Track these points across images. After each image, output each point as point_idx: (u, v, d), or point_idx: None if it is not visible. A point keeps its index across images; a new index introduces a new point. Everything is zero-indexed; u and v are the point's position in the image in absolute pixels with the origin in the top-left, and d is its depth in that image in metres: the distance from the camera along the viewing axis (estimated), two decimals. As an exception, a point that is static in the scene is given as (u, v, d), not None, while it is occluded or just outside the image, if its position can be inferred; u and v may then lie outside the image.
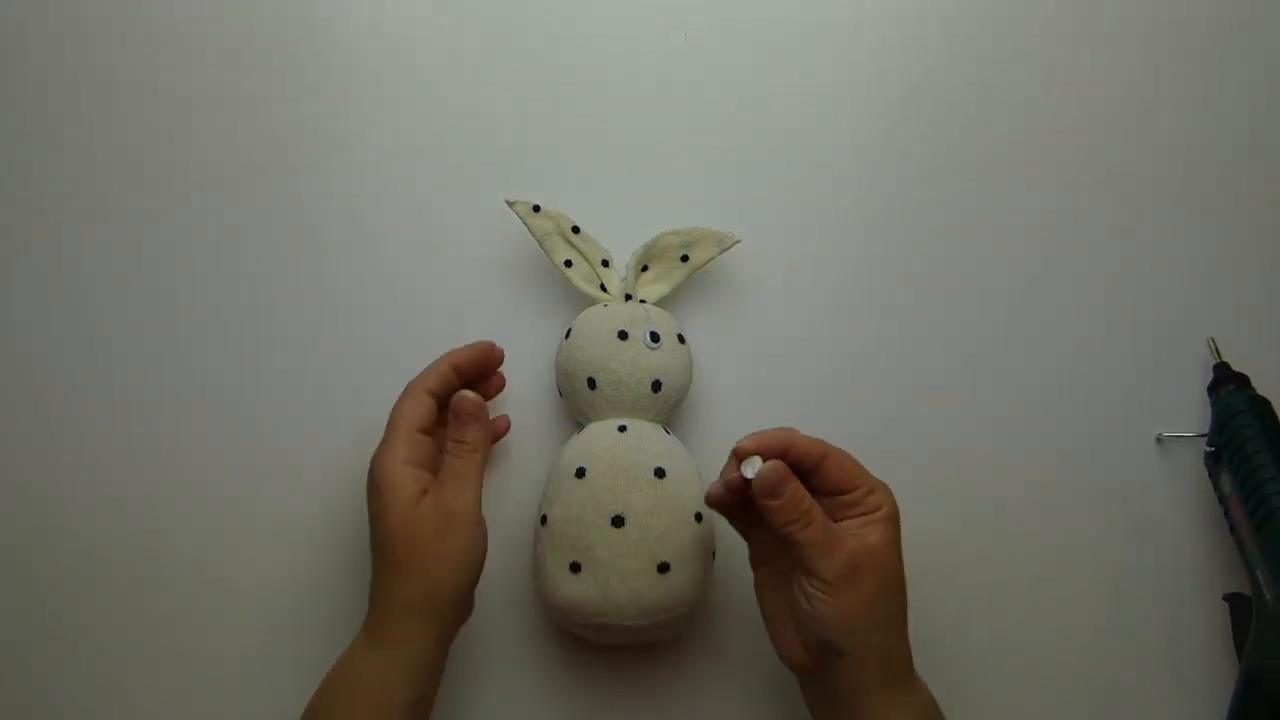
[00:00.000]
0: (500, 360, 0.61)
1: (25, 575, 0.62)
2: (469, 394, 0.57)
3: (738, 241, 0.62)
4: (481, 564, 0.56)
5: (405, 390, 0.58)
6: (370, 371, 0.63)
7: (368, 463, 0.56)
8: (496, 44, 0.68)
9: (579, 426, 0.61)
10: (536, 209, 0.61)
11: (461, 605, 0.56)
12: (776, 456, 0.52)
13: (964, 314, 0.66)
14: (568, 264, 0.61)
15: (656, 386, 0.59)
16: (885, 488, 0.54)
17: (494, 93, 0.67)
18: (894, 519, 0.53)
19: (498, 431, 0.62)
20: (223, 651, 0.62)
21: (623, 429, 0.58)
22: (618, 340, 0.59)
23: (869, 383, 0.65)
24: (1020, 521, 0.64)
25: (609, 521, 0.56)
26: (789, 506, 0.51)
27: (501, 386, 0.62)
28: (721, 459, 0.62)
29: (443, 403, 0.58)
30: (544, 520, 0.58)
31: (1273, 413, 0.60)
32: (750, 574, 0.56)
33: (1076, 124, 0.68)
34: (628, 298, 0.61)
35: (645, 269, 0.62)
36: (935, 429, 0.65)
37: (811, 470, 0.52)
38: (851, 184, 0.67)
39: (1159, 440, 0.64)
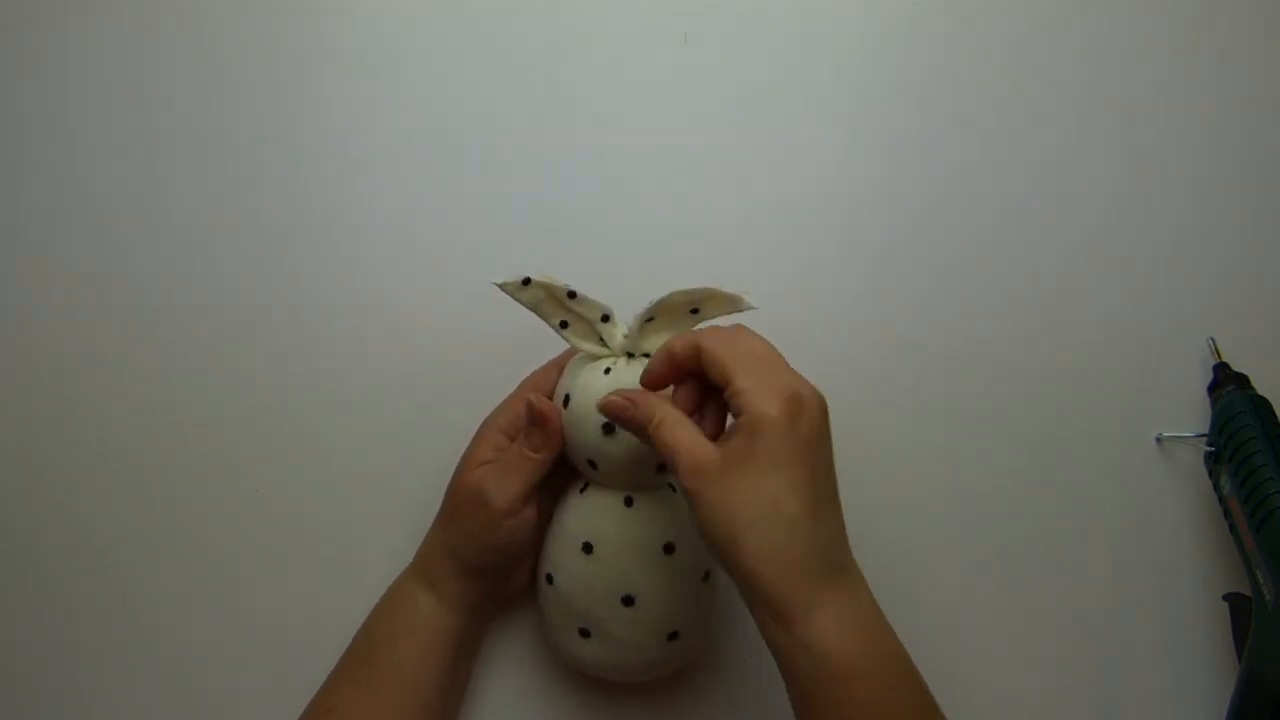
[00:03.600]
0: None
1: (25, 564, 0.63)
2: (537, 399, 0.55)
3: (753, 308, 0.55)
4: (515, 552, 0.56)
5: (547, 363, 0.59)
6: (387, 368, 0.64)
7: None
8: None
9: (581, 483, 0.57)
10: (526, 282, 0.55)
11: (483, 578, 0.57)
12: (660, 373, 0.51)
13: (966, 315, 0.66)
14: (563, 325, 0.56)
15: (661, 467, 0.56)
16: (760, 387, 0.47)
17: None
18: (754, 427, 0.46)
19: None
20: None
21: (630, 502, 0.56)
22: (620, 429, 0.54)
23: (877, 384, 0.65)
24: (1020, 520, 0.64)
25: (619, 601, 0.55)
26: (630, 423, 0.51)
27: None
28: None
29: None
30: (549, 579, 0.57)
31: (1273, 413, 0.60)
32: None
33: (1077, 126, 0.68)
34: (630, 356, 0.56)
35: (651, 319, 0.56)
36: (937, 429, 0.65)
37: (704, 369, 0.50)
38: (869, 187, 0.67)
39: (1159, 440, 0.64)
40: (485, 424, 0.58)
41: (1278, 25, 0.68)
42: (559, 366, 0.59)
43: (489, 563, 0.56)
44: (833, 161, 0.67)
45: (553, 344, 0.59)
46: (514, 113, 0.67)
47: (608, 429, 0.54)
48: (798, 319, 0.65)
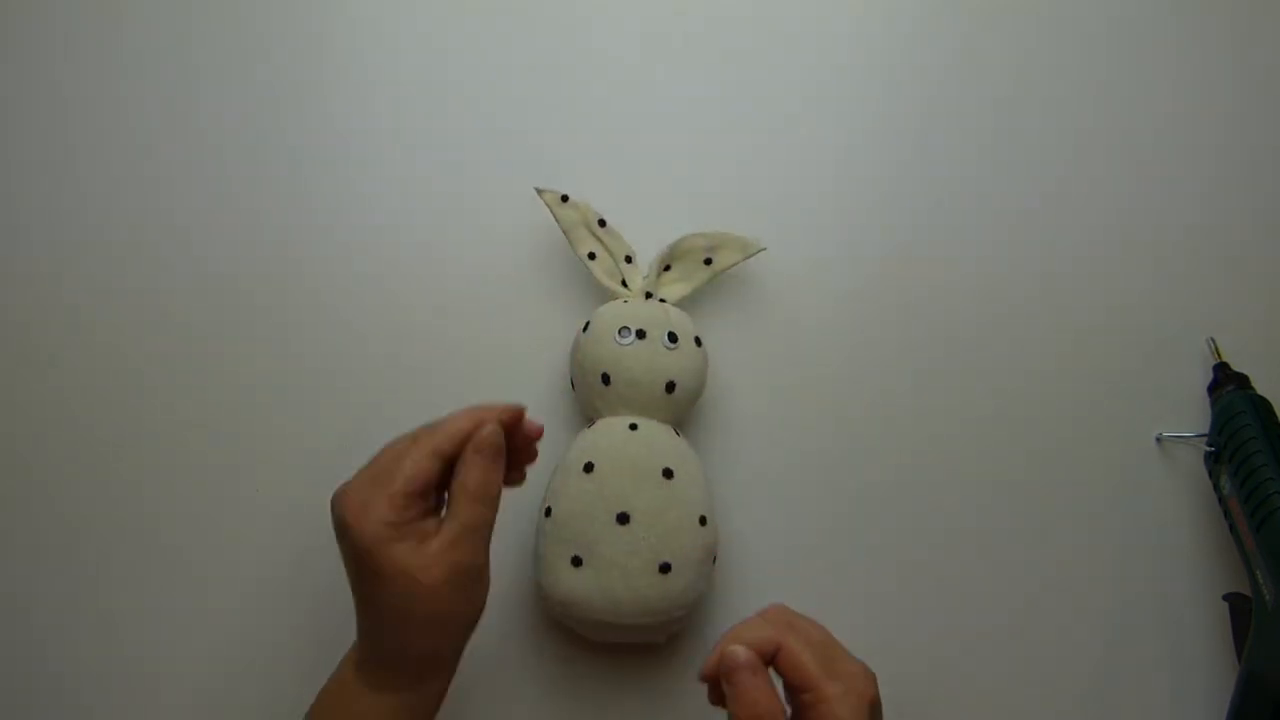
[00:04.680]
0: (537, 435, 0.53)
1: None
2: (496, 431, 0.50)
3: (762, 249, 0.62)
4: None
5: (412, 443, 0.50)
6: (388, 357, 0.64)
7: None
8: (530, 34, 0.68)
9: (589, 421, 0.60)
10: (565, 199, 0.61)
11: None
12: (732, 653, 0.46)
13: (966, 315, 0.66)
14: (591, 256, 0.61)
15: (670, 388, 0.58)
16: (847, 694, 0.46)
17: (525, 83, 0.67)
18: None
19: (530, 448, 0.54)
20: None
21: (633, 427, 0.58)
22: (636, 339, 0.58)
23: (878, 383, 0.65)
24: (1020, 520, 0.64)
25: (614, 518, 0.56)
26: (741, 702, 0.45)
27: (533, 459, 0.54)
28: (730, 462, 0.63)
29: (451, 464, 0.50)
30: (548, 513, 0.57)
31: (1273, 413, 0.60)
32: (748, 575, 0.58)
33: (1078, 126, 0.68)
34: (648, 295, 0.61)
35: (668, 268, 0.62)
36: (937, 429, 0.65)
37: (774, 665, 0.47)
38: (871, 187, 0.67)
39: (1159, 440, 0.64)
40: (369, 533, 0.48)
41: (1278, 26, 0.69)
42: (451, 435, 0.50)
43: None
44: (833, 161, 0.67)
45: (548, 354, 0.62)
46: (513, 113, 0.67)
47: (623, 333, 0.58)
48: (797, 318, 0.65)
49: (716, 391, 0.63)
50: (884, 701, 0.54)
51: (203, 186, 0.66)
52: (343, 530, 0.49)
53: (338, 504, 0.49)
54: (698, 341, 0.60)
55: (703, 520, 0.57)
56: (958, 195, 0.67)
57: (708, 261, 0.62)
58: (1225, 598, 0.61)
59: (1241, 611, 0.60)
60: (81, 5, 0.67)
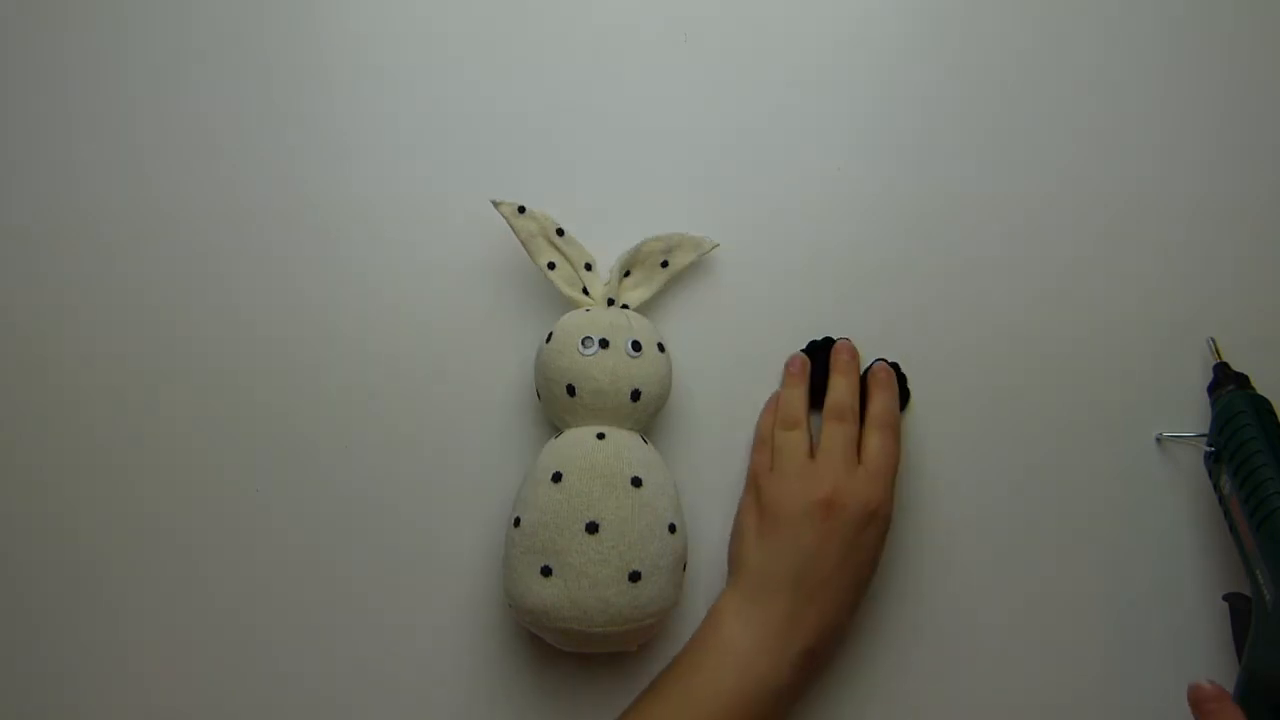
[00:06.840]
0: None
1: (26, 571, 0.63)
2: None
3: (716, 246, 0.63)
4: None
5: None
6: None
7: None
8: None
9: (556, 431, 0.60)
10: (521, 210, 0.61)
11: None
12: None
13: (959, 314, 0.66)
14: (551, 266, 0.61)
15: (636, 396, 0.58)
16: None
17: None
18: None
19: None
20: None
21: (601, 436, 0.58)
22: (599, 348, 0.58)
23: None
24: (1020, 521, 0.64)
25: (583, 528, 0.55)
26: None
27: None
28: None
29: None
30: (517, 523, 0.57)
31: (1273, 413, 0.60)
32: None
33: (1077, 126, 0.68)
34: (610, 302, 0.61)
35: (628, 274, 0.62)
36: (937, 430, 0.65)
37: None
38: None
39: (1159, 440, 0.64)
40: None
41: (1278, 25, 0.68)
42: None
43: None
44: (833, 161, 0.67)
45: (514, 364, 0.62)
46: (513, 113, 0.67)
47: (586, 344, 0.58)
48: (796, 318, 0.65)
49: (682, 397, 0.63)
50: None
51: (201, 186, 0.66)
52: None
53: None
54: (661, 348, 0.60)
55: (672, 528, 0.57)
56: (955, 197, 0.67)
57: (665, 264, 0.62)
58: (1225, 598, 0.61)
59: (1241, 611, 0.59)
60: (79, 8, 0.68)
